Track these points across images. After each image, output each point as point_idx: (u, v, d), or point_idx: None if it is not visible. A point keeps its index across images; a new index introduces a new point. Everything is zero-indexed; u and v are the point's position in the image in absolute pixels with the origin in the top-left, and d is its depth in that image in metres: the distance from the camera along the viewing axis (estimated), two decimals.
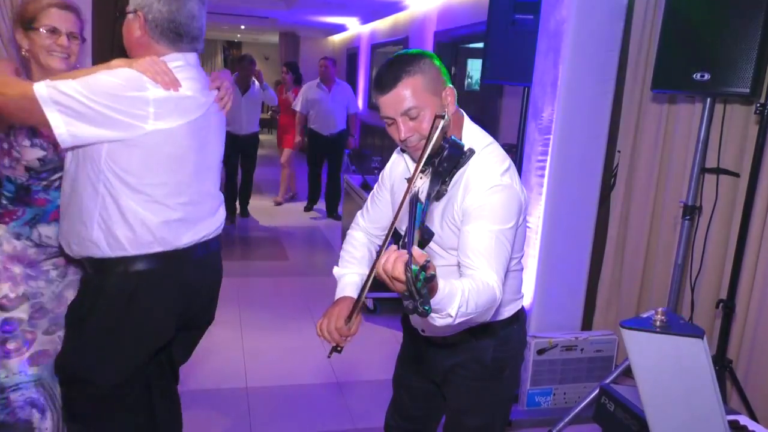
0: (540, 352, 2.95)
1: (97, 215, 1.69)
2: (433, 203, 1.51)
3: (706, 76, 2.39)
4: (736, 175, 2.63)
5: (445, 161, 1.37)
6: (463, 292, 1.26)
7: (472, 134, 1.58)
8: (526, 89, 3.31)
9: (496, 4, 3.36)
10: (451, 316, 1.25)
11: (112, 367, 1.80)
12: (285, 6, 8.65)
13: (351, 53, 11.69)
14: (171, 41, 1.71)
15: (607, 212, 3.27)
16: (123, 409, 1.87)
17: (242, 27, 13.56)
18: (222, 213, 1.99)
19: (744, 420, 1.83)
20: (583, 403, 2.79)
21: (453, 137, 1.42)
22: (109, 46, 2.99)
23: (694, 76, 2.42)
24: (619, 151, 3.20)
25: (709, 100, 2.54)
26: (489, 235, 1.40)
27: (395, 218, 1.38)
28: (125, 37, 1.78)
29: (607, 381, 2.69)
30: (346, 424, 2.96)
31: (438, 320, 1.27)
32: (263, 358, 3.56)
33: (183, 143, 1.70)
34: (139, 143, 1.63)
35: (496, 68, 3.32)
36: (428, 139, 1.32)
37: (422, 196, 1.31)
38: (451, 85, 1.52)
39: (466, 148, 1.44)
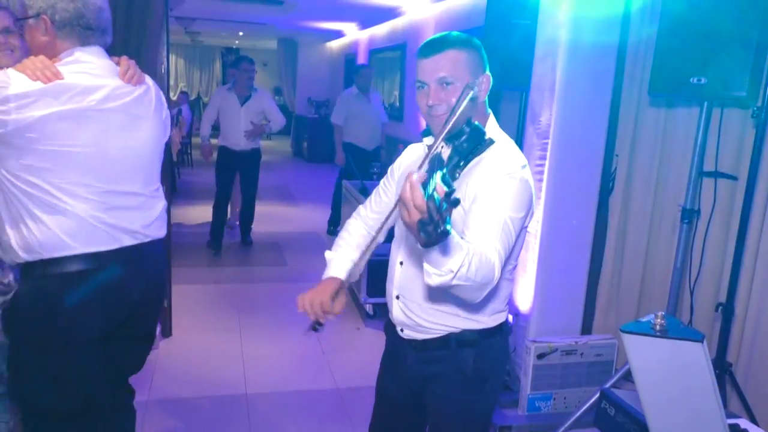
0: (540, 356, 2.95)
1: (10, 220, 1.69)
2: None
3: (704, 81, 2.39)
4: (734, 178, 2.64)
5: (465, 142, 1.38)
6: (468, 251, 1.23)
7: (494, 130, 1.59)
8: (524, 94, 3.32)
9: (494, 10, 3.37)
10: (452, 272, 1.21)
11: (52, 387, 1.75)
12: (283, 12, 8.67)
13: (349, 59, 11.71)
14: (80, 37, 1.72)
15: (605, 216, 3.27)
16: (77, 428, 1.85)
17: (240, 33, 13.58)
18: (159, 215, 1.93)
19: (744, 423, 1.83)
20: (584, 408, 2.78)
21: (477, 122, 1.41)
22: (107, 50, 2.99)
23: (692, 80, 2.42)
24: (617, 155, 3.20)
25: (706, 104, 2.55)
26: (497, 218, 1.39)
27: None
28: (29, 42, 1.77)
29: (607, 385, 2.68)
30: (346, 430, 2.95)
31: (435, 278, 1.23)
32: (263, 364, 3.56)
33: (65, 134, 1.65)
34: (14, 142, 1.60)
35: (493, 73, 3.31)
36: (456, 105, 1.30)
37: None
38: (488, 74, 1.54)
39: (486, 137, 1.45)
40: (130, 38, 2.99)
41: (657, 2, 2.84)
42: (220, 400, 3.13)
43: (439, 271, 1.22)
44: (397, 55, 8.41)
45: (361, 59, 10.59)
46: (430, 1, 6.94)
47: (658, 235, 3.06)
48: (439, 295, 1.59)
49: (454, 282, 1.24)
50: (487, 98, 1.58)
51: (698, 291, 2.77)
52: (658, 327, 1.12)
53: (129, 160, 1.81)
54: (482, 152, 1.47)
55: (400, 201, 1.11)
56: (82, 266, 1.73)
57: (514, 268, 1.67)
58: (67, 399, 1.79)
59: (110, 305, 1.83)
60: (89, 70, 1.73)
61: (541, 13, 3.04)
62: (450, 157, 1.36)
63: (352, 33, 11.17)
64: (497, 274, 1.34)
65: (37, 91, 1.60)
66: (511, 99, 3.96)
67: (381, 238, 1.83)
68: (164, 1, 3.23)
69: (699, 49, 2.40)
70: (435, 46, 1.49)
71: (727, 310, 2.49)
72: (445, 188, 1.06)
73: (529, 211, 1.52)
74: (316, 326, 1.63)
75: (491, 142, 1.48)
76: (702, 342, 1.08)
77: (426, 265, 1.25)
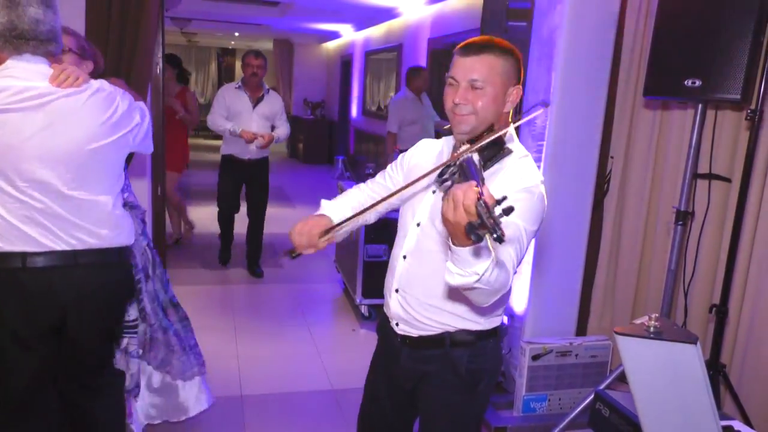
0: (535, 357, 2.95)
1: None
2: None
3: (698, 83, 2.41)
4: (728, 180, 2.65)
5: (487, 147, 1.40)
6: (494, 256, 1.24)
7: (515, 142, 1.61)
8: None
9: (489, 11, 3.38)
10: (478, 274, 1.21)
11: None
12: (279, 13, 8.67)
13: (345, 60, 11.72)
14: (17, 47, 1.78)
15: (600, 218, 3.28)
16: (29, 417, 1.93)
17: (236, 34, 13.57)
18: (107, 222, 1.93)
19: (738, 425, 1.84)
20: (578, 409, 2.79)
21: (498, 132, 1.43)
22: (102, 51, 2.98)
23: (686, 82, 2.44)
24: (612, 157, 3.21)
25: (700, 106, 2.56)
26: (514, 229, 1.40)
27: (410, 184, 1.49)
28: None
29: (602, 386, 2.69)
30: (341, 430, 2.95)
31: (457, 278, 1.24)
32: (258, 366, 3.55)
33: None
34: None
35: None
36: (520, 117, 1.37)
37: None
38: (520, 87, 1.56)
39: (506, 146, 1.48)
40: (125, 39, 2.99)
41: (652, 5, 2.85)
42: (215, 401, 3.12)
43: (464, 271, 1.22)
44: (393, 57, 8.41)
45: (357, 61, 10.60)
46: (426, 3, 6.95)
47: (653, 237, 3.07)
48: (438, 290, 1.59)
49: (476, 285, 1.24)
50: (512, 110, 1.60)
51: (692, 292, 2.78)
52: (652, 329, 1.13)
53: (53, 161, 1.80)
54: (500, 160, 1.50)
55: (450, 198, 1.12)
56: (7, 264, 1.80)
57: (515, 274, 1.68)
58: None
59: (35, 307, 1.86)
60: (16, 74, 1.78)
61: (536, 15, 3.05)
62: (480, 162, 1.36)
63: (348, 34, 11.18)
64: (510, 281, 1.36)
65: None
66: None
67: (370, 218, 1.83)
68: (159, 2, 3.23)
69: (693, 52, 2.42)
70: (476, 48, 1.51)
71: (720, 312, 2.50)
72: (495, 196, 1.07)
73: (540, 224, 1.53)
74: (293, 253, 1.64)
75: (509, 152, 1.50)
76: (696, 344, 1.09)
77: (450, 264, 1.25)
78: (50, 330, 1.93)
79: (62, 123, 1.80)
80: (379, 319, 1.86)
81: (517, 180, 1.49)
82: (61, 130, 1.80)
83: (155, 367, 2.58)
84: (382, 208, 1.79)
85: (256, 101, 4.82)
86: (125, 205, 2.21)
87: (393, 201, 1.71)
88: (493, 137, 1.33)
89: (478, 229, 1.05)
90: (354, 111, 10.92)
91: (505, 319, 2.91)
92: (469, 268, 1.22)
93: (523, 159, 1.57)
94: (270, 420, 3.00)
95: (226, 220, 5.20)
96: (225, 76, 17.07)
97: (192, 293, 4.62)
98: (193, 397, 2.74)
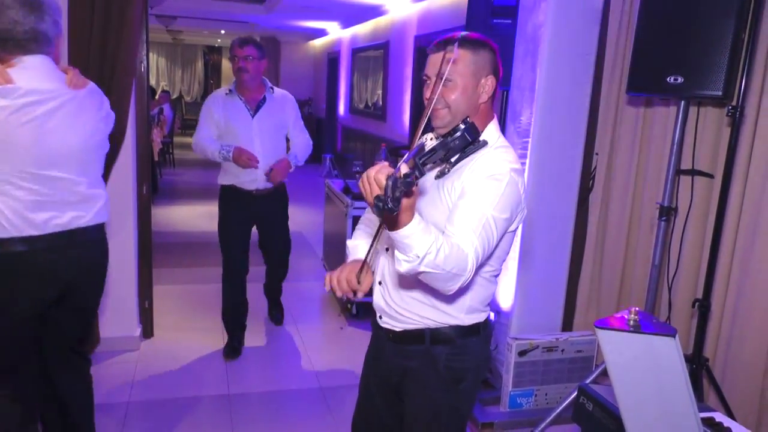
0: (521, 353, 2.97)
1: None
2: (432, 181, 1.56)
3: (680, 80, 2.43)
4: (711, 176, 2.68)
5: (457, 139, 1.41)
6: (437, 239, 1.30)
7: (493, 133, 1.61)
8: (505, 93, 3.34)
9: (475, 9, 3.39)
10: (419, 257, 1.27)
11: None
12: (265, 11, 8.65)
13: (332, 58, 11.71)
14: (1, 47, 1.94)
15: (585, 214, 3.30)
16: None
17: (222, 32, 13.51)
18: (97, 204, 2.12)
19: (719, 417, 1.86)
20: (565, 404, 2.81)
21: (471, 122, 1.43)
22: (86, 48, 2.97)
23: (668, 79, 2.46)
24: (596, 154, 3.24)
25: (683, 102, 2.58)
26: (479, 215, 1.42)
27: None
28: None
29: (588, 381, 2.71)
30: (329, 429, 2.95)
31: (404, 264, 1.30)
32: (245, 364, 3.55)
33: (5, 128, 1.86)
34: None
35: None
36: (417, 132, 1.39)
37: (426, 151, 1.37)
38: (493, 77, 1.58)
39: (480, 138, 1.48)
40: (108, 36, 2.97)
41: (635, 2, 2.87)
42: (202, 400, 3.11)
43: (407, 256, 1.29)
44: (380, 54, 8.42)
45: (344, 58, 10.59)
46: (411, 1, 6.95)
47: (637, 233, 3.10)
48: (416, 282, 1.60)
49: (422, 268, 1.29)
50: (490, 101, 1.61)
51: (676, 287, 2.81)
52: (631, 322, 1.14)
53: (67, 151, 2.00)
54: (473, 152, 1.50)
55: (365, 176, 1.22)
56: (16, 248, 1.95)
57: (497, 271, 1.67)
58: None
59: (40, 287, 2.04)
60: (33, 75, 1.95)
61: (520, 12, 3.06)
62: (433, 149, 1.38)
63: (334, 32, 11.17)
64: (470, 266, 1.37)
65: None
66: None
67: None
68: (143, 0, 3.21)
69: (676, 49, 2.44)
70: (442, 45, 1.55)
71: (703, 306, 2.53)
72: (405, 170, 1.17)
73: (515, 214, 1.53)
74: (349, 304, 1.68)
75: (484, 144, 1.51)
76: (674, 337, 1.10)
77: (396, 252, 1.31)
78: (50, 304, 2.11)
79: (76, 120, 2.02)
80: (373, 317, 1.87)
81: (485, 168, 1.50)
82: (77, 126, 2.02)
83: None
84: None
85: (256, 107, 3.45)
86: None
87: None
88: (423, 122, 1.40)
89: (379, 200, 1.15)
90: (341, 109, 10.91)
91: (492, 315, 2.92)
92: (411, 252, 1.28)
93: (498, 149, 1.57)
94: (257, 418, 2.99)
95: (231, 286, 3.62)
96: (212, 74, 16.99)
97: (178, 293, 4.60)
98: None
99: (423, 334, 1.65)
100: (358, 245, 1.81)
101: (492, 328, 1.78)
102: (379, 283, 1.71)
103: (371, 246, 1.60)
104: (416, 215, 1.28)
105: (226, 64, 16.26)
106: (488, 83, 1.57)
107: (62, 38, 2.14)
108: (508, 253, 1.66)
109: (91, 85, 2.13)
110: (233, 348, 3.62)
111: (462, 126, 1.40)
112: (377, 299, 1.72)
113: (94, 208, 2.12)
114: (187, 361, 3.53)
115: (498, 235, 1.47)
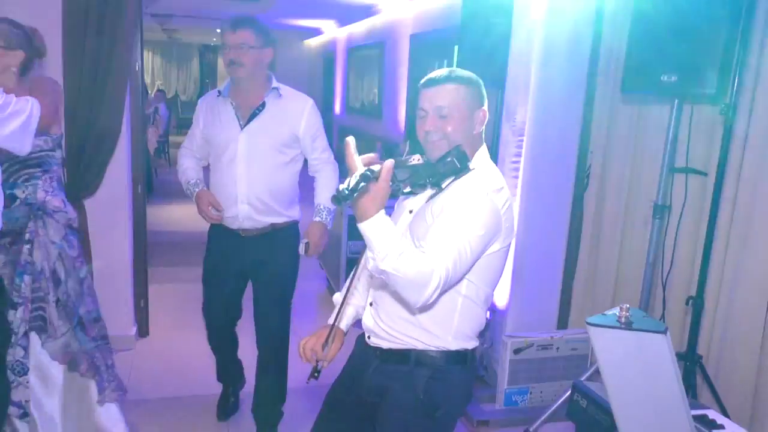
0: (516, 351, 2.98)
1: None
2: (423, 204, 1.62)
3: (674, 78, 2.44)
4: (704, 174, 2.68)
5: (448, 165, 1.48)
6: (402, 243, 1.38)
7: (482, 160, 1.65)
8: (500, 92, 3.35)
9: (469, 9, 3.39)
10: (381, 254, 1.36)
11: None
12: (260, 9, 8.63)
13: (327, 57, 11.69)
14: None
15: (580, 212, 3.31)
16: None
17: (218, 30, 13.46)
18: None
19: (713, 414, 1.87)
20: (560, 401, 2.82)
21: (462, 150, 1.50)
22: (80, 47, 2.96)
23: (663, 77, 2.46)
24: (591, 152, 3.24)
25: (677, 101, 2.59)
26: (452, 232, 1.46)
27: None
28: None
29: (582, 378, 2.72)
30: None
31: (370, 261, 1.40)
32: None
33: None
34: None
35: (469, 71, 3.34)
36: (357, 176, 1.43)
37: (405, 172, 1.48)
38: (485, 109, 1.64)
39: (469, 165, 1.53)
40: (103, 36, 2.96)
41: (629, 1, 2.87)
42: (197, 399, 3.11)
43: (372, 253, 1.38)
44: (376, 53, 8.41)
45: (340, 57, 10.59)
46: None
47: (632, 231, 3.10)
48: (403, 303, 1.60)
49: (383, 266, 1.36)
50: (483, 130, 1.66)
51: (670, 285, 2.82)
52: (622, 319, 1.14)
53: None
54: (459, 178, 1.54)
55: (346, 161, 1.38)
56: None
57: (488, 296, 1.65)
58: None
59: None
60: None
61: (515, 12, 3.06)
62: (416, 168, 1.49)
63: (330, 31, 11.15)
64: (435, 281, 1.39)
65: None
66: (487, 96, 3.98)
67: None
68: None
69: (670, 48, 2.44)
70: (438, 80, 1.61)
71: (697, 304, 2.54)
72: (368, 166, 1.32)
73: (493, 232, 1.53)
74: (315, 374, 1.75)
75: (468, 170, 1.53)
76: (665, 334, 1.11)
77: (368, 252, 1.40)
78: None
79: None
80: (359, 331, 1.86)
81: (466, 187, 1.54)
82: None
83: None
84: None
85: (249, 115, 2.46)
86: (39, 209, 2.25)
87: None
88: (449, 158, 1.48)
89: (338, 187, 1.30)
90: (337, 108, 10.90)
91: (487, 314, 2.93)
92: (374, 249, 1.37)
93: (482, 173, 1.60)
94: (252, 417, 2.99)
95: (218, 340, 2.82)
96: (207, 73, 16.94)
97: (174, 291, 4.59)
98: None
99: (409, 355, 1.64)
100: (338, 304, 1.81)
101: (476, 364, 1.78)
102: (370, 304, 1.72)
103: (341, 305, 1.70)
104: (383, 216, 1.36)
105: (222, 63, 16.20)
106: (480, 115, 1.63)
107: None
108: (500, 276, 1.65)
109: None
110: (226, 400, 2.92)
111: (453, 152, 1.47)
112: (366, 320, 1.73)
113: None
114: (182, 360, 3.52)
115: (472, 253, 1.48)
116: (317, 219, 2.65)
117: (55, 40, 2.98)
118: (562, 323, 3.36)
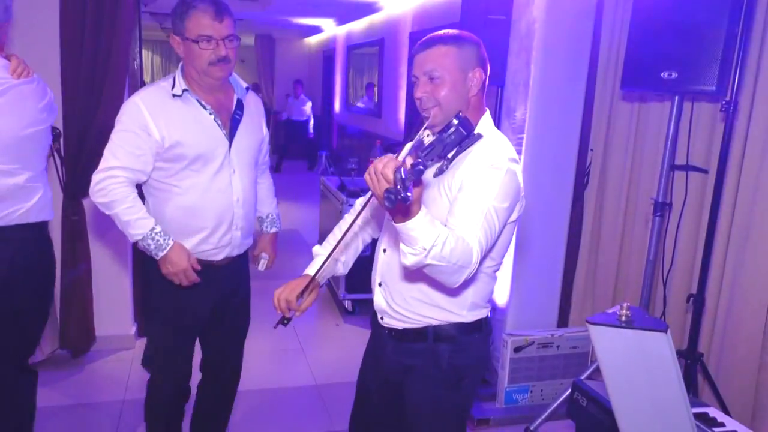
0: (517, 349, 2.97)
1: None
2: (431, 179, 1.57)
3: (674, 75, 2.43)
4: (705, 171, 2.68)
5: (453, 134, 1.41)
6: (442, 232, 1.30)
7: (487, 126, 1.61)
8: (499, 89, 3.34)
9: (469, 5, 3.38)
10: (425, 249, 1.27)
11: None
12: (260, 7, 8.61)
13: (327, 55, 11.69)
14: None
15: (581, 210, 3.30)
16: None
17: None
18: (37, 200, 2.02)
19: (714, 412, 1.87)
20: (560, 400, 2.81)
21: (465, 116, 1.41)
22: (78, 46, 2.95)
23: (662, 74, 2.46)
24: (591, 150, 3.24)
25: (677, 98, 2.58)
26: (480, 206, 1.43)
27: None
28: None
29: (583, 377, 2.71)
30: (324, 426, 2.95)
31: (410, 257, 1.30)
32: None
33: None
34: None
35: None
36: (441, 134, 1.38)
37: (425, 146, 1.38)
38: (481, 69, 1.57)
39: (475, 131, 1.48)
40: (101, 35, 2.95)
41: None
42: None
43: (413, 249, 1.29)
44: (375, 51, 8.40)
45: (340, 55, 10.58)
46: None
47: (632, 228, 3.10)
48: (418, 281, 1.60)
49: (428, 261, 1.29)
50: (479, 94, 1.61)
51: (671, 283, 2.81)
52: (623, 318, 1.14)
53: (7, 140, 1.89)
54: (470, 146, 1.50)
55: (372, 170, 1.21)
56: None
57: (498, 266, 1.67)
58: None
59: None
60: None
61: (515, 8, 3.05)
62: (432, 144, 1.39)
63: (329, 29, 11.14)
64: (475, 258, 1.37)
65: None
66: (487, 94, 3.98)
67: (367, 237, 1.85)
68: None
69: (670, 45, 2.44)
70: (426, 43, 1.56)
71: (698, 302, 2.53)
72: (411, 161, 1.17)
73: (515, 203, 1.53)
74: (284, 321, 1.68)
75: (479, 137, 1.51)
76: (666, 332, 1.10)
77: (402, 246, 1.31)
78: None
79: (14, 109, 1.89)
80: (371, 313, 1.86)
81: (482, 159, 1.50)
82: (15, 115, 1.90)
83: None
84: (370, 229, 1.87)
85: (231, 120, 2.07)
86: None
87: (369, 205, 1.72)
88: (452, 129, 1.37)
89: (391, 193, 1.15)
90: (337, 106, 10.89)
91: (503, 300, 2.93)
92: (417, 245, 1.28)
93: (494, 140, 1.57)
94: (254, 416, 2.99)
95: (177, 406, 2.43)
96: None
97: None
98: None
99: (426, 332, 1.65)
100: (318, 255, 1.80)
101: (491, 326, 1.78)
102: (379, 284, 1.71)
103: (326, 258, 1.65)
104: (422, 207, 1.29)
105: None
106: (476, 76, 1.57)
107: (10, 25, 2.02)
108: (508, 245, 1.66)
109: (35, 75, 2.00)
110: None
111: (455, 121, 1.39)
112: (378, 301, 1.72)
113: (29, 203, 1.99)
114: None
115: (500, 225, 1.47)
116: (273, 230, 2.40)
117: (53, 39, 2.98)
118: (563, 321, 3.36)
